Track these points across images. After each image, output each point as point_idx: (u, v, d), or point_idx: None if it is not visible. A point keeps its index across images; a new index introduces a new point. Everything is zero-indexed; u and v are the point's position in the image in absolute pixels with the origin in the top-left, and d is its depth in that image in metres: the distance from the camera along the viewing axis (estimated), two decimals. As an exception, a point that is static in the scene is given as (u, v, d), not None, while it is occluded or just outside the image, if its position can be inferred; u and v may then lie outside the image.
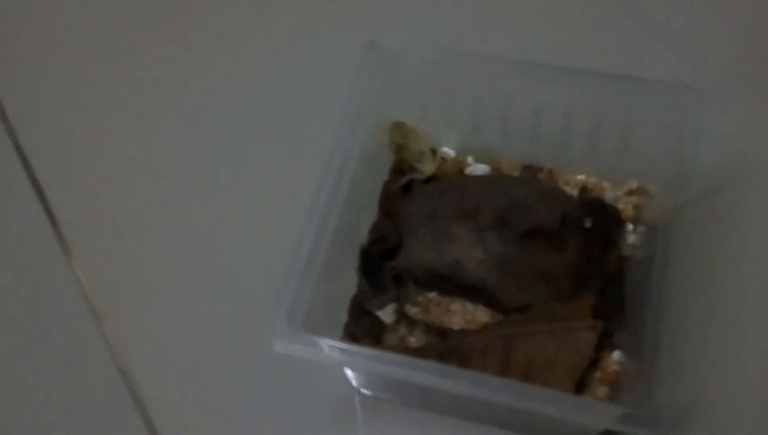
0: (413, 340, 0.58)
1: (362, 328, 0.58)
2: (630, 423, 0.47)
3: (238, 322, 0.62)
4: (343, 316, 0.59)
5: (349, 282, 0.60)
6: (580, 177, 0.63)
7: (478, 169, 0.64)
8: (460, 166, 0.64)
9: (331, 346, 0.50)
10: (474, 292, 0.58)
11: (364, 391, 0.59)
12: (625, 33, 0.74)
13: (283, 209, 0.64)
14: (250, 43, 0.77)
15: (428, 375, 0.49)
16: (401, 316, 0.59)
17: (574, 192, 0.62)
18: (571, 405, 0.49)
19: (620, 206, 0.62)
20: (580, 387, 0.55)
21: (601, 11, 0.75)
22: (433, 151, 0.63)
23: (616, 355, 0.56)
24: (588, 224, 0.60)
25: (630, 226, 0.61)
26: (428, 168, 0.63)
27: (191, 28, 0.78)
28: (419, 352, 0.56)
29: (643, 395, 0.50)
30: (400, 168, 0.64)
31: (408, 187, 0.63)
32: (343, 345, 0.51)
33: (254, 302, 0.59)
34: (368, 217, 0.62)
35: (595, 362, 0.56)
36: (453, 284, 0.58)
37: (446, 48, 0.62)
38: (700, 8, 0.75)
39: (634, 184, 0.62)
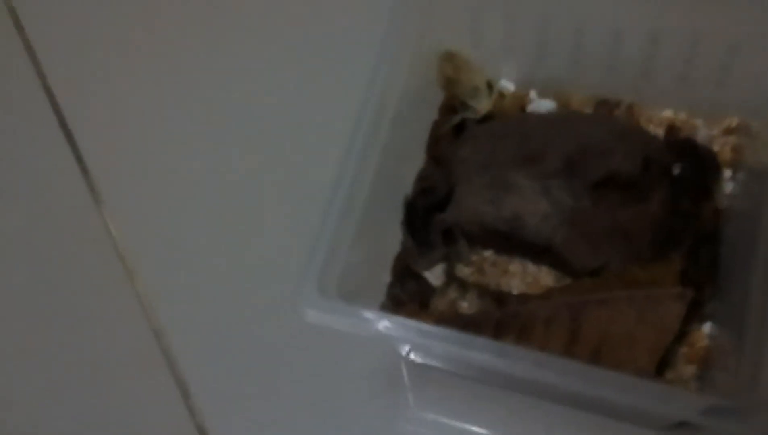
0: (465, 305, 0.50)
1: (407, 291, 0.50)
2: (719, 417, 0.38)
3: (274, 283, 0.55)
4: (386, 277, 0.51)
5: (393, 238, 0.52)
6: (667, 113, 0.53)
7: (542, 105, 0.54)
8: (520, 102, 0.55)
9: (367, 318, 0.43)
10: (537, 251, 0.49)
11: (413, 357, 0.51)
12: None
13: (318, 157, 0.57)
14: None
15: (483, 353, 0.42)
16: (451, 278, 0.51)
17: (659, 132, 0.52)
18: (650, 395, 0.40)
19: (716, 148, 0.52)
20: (663, 365, 0.46)
21: None
22: (490, 86, 0.54)
23: (708, 327, 0.47)
24: (676, 171, 0.50)
25: (728, 172, 0.51)
26: (484, 105, 0.54)
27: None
28: (472, 321, 0.48)
29: (742, 378, 0.41)
30: (450, 106, 0.55)
31: (460, 128, 0.54)
32: (382, 317, 0.43)
33: (290, 261, 0.53)
34: (414, 163, 0.54)
35: (681, 336, 0.47)
36: (512, 242, 0.49)
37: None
38: None
39: (734, 121, 0.52)
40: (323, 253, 0.45)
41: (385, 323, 0.42)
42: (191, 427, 0.53)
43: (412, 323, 0.43)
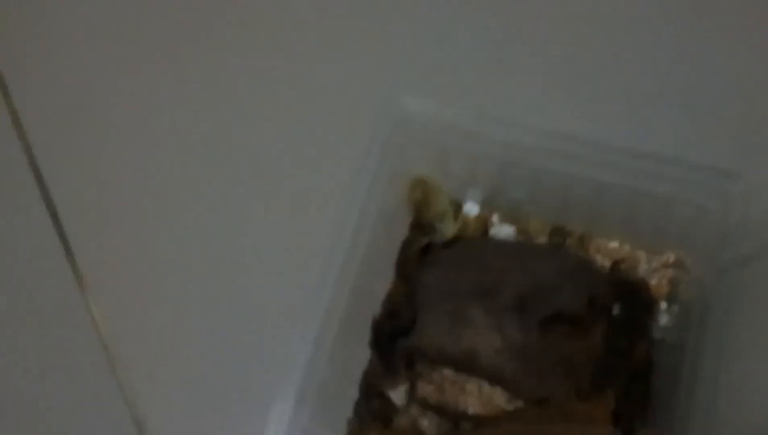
0: (425, 423, 0.56)
1: (372, 408, 0.56)
2: None
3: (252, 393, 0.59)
4: (354, 393, 0.57)
5: (363, 355, 0.57)
6: (614, 244, 0.58)
7: (503, 230, 0.59)
8: (483, 225, 0.60)
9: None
10: (490, 378, 0.55)
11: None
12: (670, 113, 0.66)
13: (298, 268, 0.61)
14: (269, 96, 0.70)
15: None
16: (413, 397, 0.56)
17: (606, 262, 0.58)
18: None
19: (654, 281, 0.57)
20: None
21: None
22: (456, 209, 0.59)
23: (637, 454, 0.53)
24: (616, 310, 0.55)
25: (663, 305, 0.56)
26: (449, 228, 0.59)
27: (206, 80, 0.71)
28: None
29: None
30: (420, 225, 0.60)
31: (427, 249, 0.59)
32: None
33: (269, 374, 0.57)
34: (385, 280, 0.59)
35: (613, 462, 0.53)
36: (469, 368, 0.55)
37: (474, 110, 0.56)
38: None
39: (672, 257, 0.58)
40: (297, 380, 0.50)
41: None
42: None
43: None
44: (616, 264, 0.57)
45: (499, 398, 0.55)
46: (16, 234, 0.67)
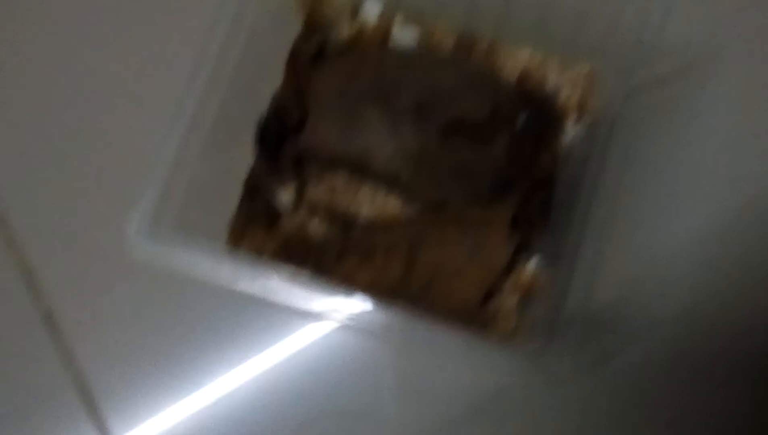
0: (313, 227, 0.52)
1: (256, 210, 0.52)
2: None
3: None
4: (237, 194, 0.52)
5: (246, 156, 0.53)
6: (525, 53, 0.54)
7: (405, 35, 0.54)
8: (385, 28, 0.55)
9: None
10: (385, 182, 0.51)
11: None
12: None
13: (171, 57, 0.56)
14: None
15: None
16: (301, 200, 0.52)
17: (515, 74, 0.54)
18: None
19: (565, 93, 0.53)
20: (488, 294, 0.50)
21: None
22: (354, 9, 0.54)
23: (534, 262, 0.51)
24: (521, 121, 0.52)
25: (573, 118, 0.53)
26: (345, 29, 0.54)
27: None
28: (316, 246, 0.51)
29: (551, 308, 0.46)
30: (312, 24, 0.54)
31: (321, 51, 0.54)
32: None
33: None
34: (273, 80, 0.53)
35: (508, 269, 0.50)
36: (363, 171, 0.51)
37: None
38: None
39: (585, 68, 0.54)
40: (161, 175, 0.45)
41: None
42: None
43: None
44: (523, 76, 0.54)
45: (393, 206, 0.52)
46: None
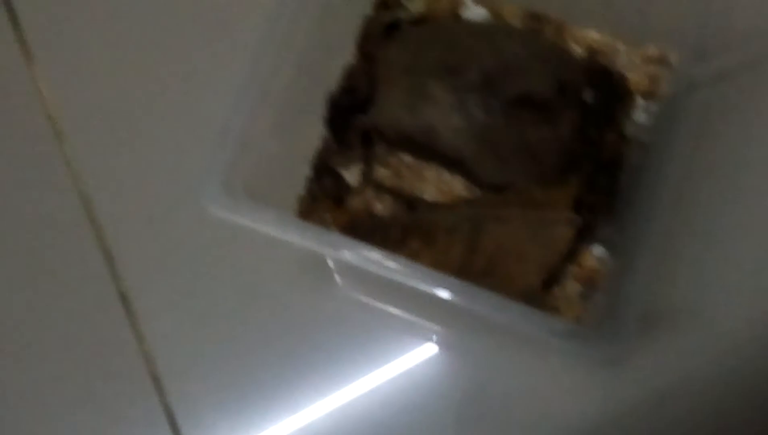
0: (379, 206, 0.53)
1: (324, 187, 0.53)
2: (575, 340, 0.43)
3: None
4: (306, 170, 0.53)
5: (316, 132, 0.53)
6: (593, 33, 0.54)
7: (475, 12, 0.55)
8: (455, 5, 0.55)
9: (265, 219, 0.45)
10: (450, 161, 0.51)
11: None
12: None
13: (236, 44, 0.57)
14: None
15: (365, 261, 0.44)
16: (368, 179, 0.53)
17: (583, 53, 0.54)
18: (518, 316, 0.44)
19: (633, 75, 0.53)
20: (551, 281, 0.50)
21: None
22: (425, -12, 0.54)
23: (597, 250, 0.51)
24: (589, 97, 0.51)
25: (641, 102, 0.53)
26: (417, 5, 0.54)
27: None
28: (381, 223, 0.52)
29: (616, 298, 0.45)
30: (385, 2, 0.55)
31: (392, 28, 0.54)
32: (276, 218, 0.45)
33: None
34: (344, 57, 0.54)
35: (571, 255, 0.50)
36: (428, 150, 0.51)
37: None
38: None
39: (654, 50, 0.53)
40: (231, 145, 0.46)
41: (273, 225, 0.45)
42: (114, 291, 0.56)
43: (303, 227, 0.46)
44: (592, 52, 0.53)
45: (458, 187, 0.52)
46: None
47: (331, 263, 0.55)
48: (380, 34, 0.54)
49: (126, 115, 0.59)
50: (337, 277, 0.56)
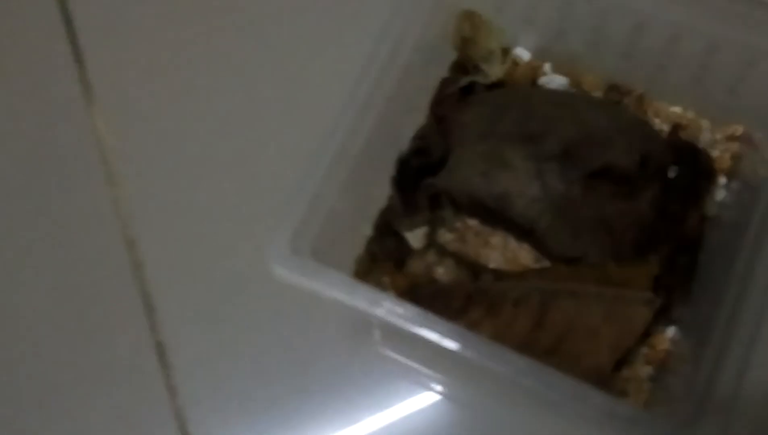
0: (441, 271, 0.50)
1: (385, 248, 0.51)
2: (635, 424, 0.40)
3: (256, 226, 0.53)
4: (368, 229, 0.52)
5: (382, 191, 0.52)
6: (676, 109, 0.52)
7: (554, 80, 0.53)
8: (534, 73, 0.54)
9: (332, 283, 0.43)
10: (521, 231, 0.49)
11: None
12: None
13: (320, 105, 0.55)
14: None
15: (435, 335, 0.42)
16: (432, 242, 0.51)
17: (665, 127, 0.52)
18: (590, 402, 0.41)
19: (716, 153, 0.51)
20: (621, 362, 0.47)
21: None
22: (505, 52, 0.53)
23: (672, 332, 0.48)
24: (672, 173, 0.49)
25: (723, 180, 0.51)
26: (496, 70, 0.53)
27: None
28: (444, 289, 0.49)
29: (689, 385, 0.42)
30: (462, 66, 0.54)
31: (468, 91, 0.53)
32: (342, 284, 0.43)
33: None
34: (417, 118, 0.53)
35: (644, 337, 0.48)
36: (498, 217, 0.49)
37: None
38: None
39: (739, 129, 0.51)
40: (303, 204, 0.44)
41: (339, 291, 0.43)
42: (151, 342, 0.54)
43: (368, 294, 0.43)
44: (675, 127, 0.51)
45: (525, 257, 0.50)
46: (28, 37, 0.62)
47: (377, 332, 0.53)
48: (455, 96, 0.53)
49: (184, 162, 0.58)
50: (378, 334, 0.53)
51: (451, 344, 0.41)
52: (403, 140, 0.52)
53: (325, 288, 0.42)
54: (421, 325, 0.42)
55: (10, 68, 0.62)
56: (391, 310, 0.42)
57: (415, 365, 0.53)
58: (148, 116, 0.60)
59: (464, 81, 0.53)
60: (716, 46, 0.48)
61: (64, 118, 0.60)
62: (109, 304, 0.56)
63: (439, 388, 0.53)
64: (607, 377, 0.47)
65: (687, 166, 0.50)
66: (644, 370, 0.48)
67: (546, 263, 0.50)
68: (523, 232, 0.49)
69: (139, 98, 0.60)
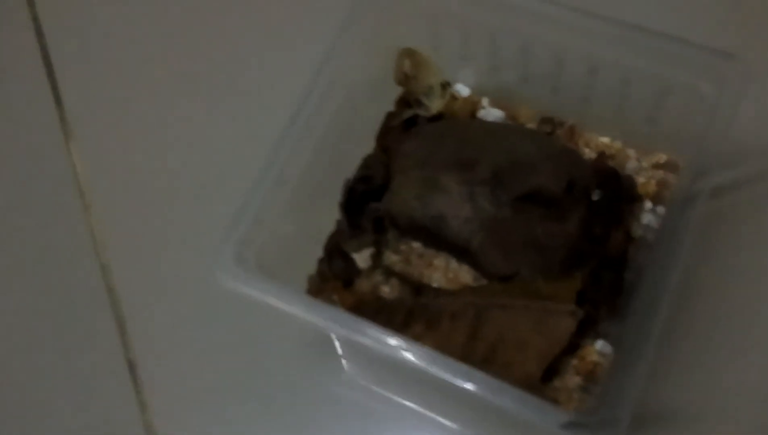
0: (387, 290, 0.54)
1: (334, 268, 0.54)
2: (574, 430, 0.43)
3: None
4: (319, 252, 0.55)
5: (331, 216, 0.56)
6: (604, 139, 0.56)
7: (491, 113, 0.58)
8: (472, 107, 0.58)
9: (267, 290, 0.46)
10: (458, 250, 0.53)
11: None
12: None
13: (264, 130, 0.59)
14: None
15: (370, 340, 0.45)
16: (378, 263, 0.54)
17: (594, 156, 0.56)
18: (517, 402, 0.44)
19: (642, 180, 0.55)
20: (551, 372, 0.50)
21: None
22: (444, 87, 0.57)
23: (600, 344, 0.51)
24: (596, 196, 0.53)
25: (649, 204, 0.54)
26: (436, 104, 0.57)
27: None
28: (387, 305, 0.53)
29: (613, 395, 0.45)
30: (406, 100, 0.58)
31: (411, 123, 0.57)
32: (281, 291, 0.46)
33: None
34: (365, 149, 0.57)
35: (573, 349, 0.51)
36: (437, 239, 0.53)
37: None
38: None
39: (663, 157, 0.55)
40: (247, 221, 0.48)
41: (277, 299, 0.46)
42: (122, 360, 0.58)
43: (308, 303, 0.47)
44: (601, 155, 0.55)
45: (465, 276, 0.54)
46: (8, 78, 0.67)
47: (338, 348, 0.56)
48: (399, 128, 0.57)
49: (152, 193, 0.63)
50: (344, 362, 0.57)
51: (392, 350, 0.44)
52: (351, 168, 0.56)
53: (263, 296, 0.46)
54: (365, 334, 0.45)
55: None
56: (332, 318, 0.46)
57: (376, 386, 0.56)
58: (120, 151, 0.64)
59: (407, 114, 0.57)
60: (630, 78, 0.52)
61: (44, 152, 0.65)
62: (84, 323, 0.60)
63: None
64: (537, 385, 0.50)
65: (610, 189, 0.53)
66: (574, 381, 0.50)
67: (484, 282, 0.53)
68: (460, 251, 0.53)
69: (113, 135, 0.65)
